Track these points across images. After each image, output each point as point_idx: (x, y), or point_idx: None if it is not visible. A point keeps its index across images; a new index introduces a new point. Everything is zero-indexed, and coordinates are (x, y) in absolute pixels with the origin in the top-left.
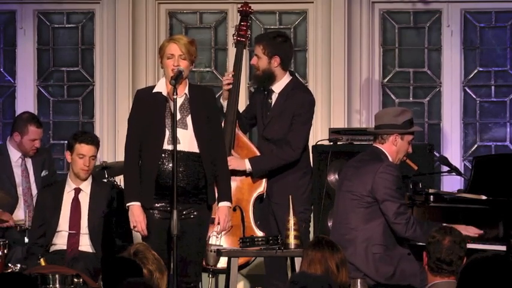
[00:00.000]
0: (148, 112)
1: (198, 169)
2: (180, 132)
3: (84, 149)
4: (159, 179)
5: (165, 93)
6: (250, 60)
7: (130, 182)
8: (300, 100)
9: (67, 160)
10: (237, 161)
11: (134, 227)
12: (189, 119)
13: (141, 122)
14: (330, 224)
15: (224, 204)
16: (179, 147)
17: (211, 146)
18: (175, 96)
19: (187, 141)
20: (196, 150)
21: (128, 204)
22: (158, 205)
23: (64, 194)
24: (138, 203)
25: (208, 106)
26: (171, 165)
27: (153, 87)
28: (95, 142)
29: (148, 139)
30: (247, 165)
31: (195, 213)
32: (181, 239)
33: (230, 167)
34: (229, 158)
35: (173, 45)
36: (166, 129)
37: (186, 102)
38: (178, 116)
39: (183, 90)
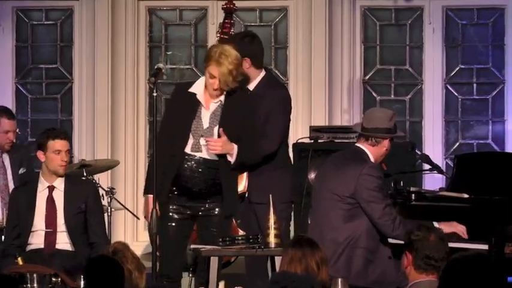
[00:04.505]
0: (180, 112)
1: (213, 175)
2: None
3: (58, 144)
4: (177, 180)
5: (199, 97)
6: None
7: (151, 176)
8: (273, 99)
9: (40, 159)
10: (228, 146)
11: (146, 216)
12: (215, 130)
13: (173, 120)
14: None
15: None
16: (200, 154)
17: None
18: (154, 94)
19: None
20: (215, 158)
21: (144, 195)
22: (175, 207)
23: (37, 193)
24: (151, 196)
25: (242, 111)
26: (189, 170)
27: (192, 83)
28: (67, 136)
29: (174, 140)
30: (234, 152)
31: (217, 209)
32: (205, 235)
33: (220, 151)
34: (222, 140)
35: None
36: (191, 135)
37: (219, 109)
38: (207, 124)
39: (220, 97)
